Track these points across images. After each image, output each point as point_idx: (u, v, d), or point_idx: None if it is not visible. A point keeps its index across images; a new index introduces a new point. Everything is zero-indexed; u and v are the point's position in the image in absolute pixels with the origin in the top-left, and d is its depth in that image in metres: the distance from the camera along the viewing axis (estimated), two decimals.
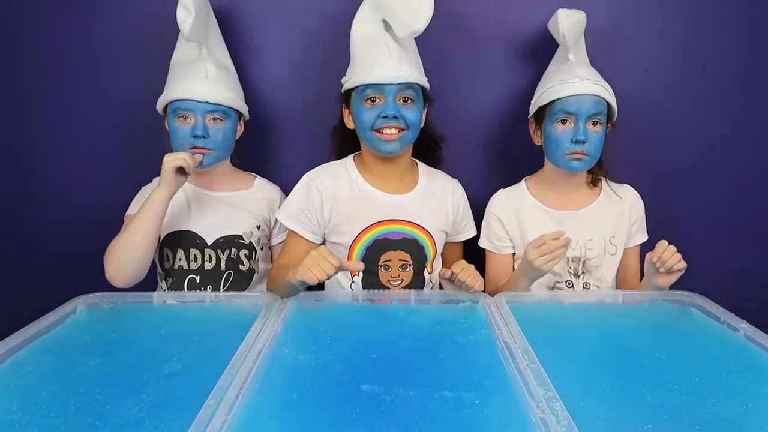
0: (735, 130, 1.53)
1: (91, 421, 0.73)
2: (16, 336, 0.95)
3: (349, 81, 1.24)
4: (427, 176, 1.36)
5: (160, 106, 1.31)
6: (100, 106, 1.50)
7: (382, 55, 1.20)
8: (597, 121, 1.25)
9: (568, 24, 1.28)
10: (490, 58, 1.51)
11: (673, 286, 1.18)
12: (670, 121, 1.53)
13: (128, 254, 1.20)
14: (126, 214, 1.32)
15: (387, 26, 1.21)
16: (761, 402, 0.78)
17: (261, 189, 1.42)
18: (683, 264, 1.15)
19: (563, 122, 1.25)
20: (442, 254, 1.40)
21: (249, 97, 1.39)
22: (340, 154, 1.38)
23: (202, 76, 1.27)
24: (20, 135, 1.52)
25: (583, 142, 1.23)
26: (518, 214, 1.36)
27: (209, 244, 1.33)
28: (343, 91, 1.29)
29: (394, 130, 1.22)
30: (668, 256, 1.14)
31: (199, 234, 1.33)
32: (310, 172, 1.32)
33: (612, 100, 1.26)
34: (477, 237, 1.41)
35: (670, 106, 1.52)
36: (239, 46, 1.47)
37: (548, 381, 0.78)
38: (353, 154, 1.36)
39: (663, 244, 1.16)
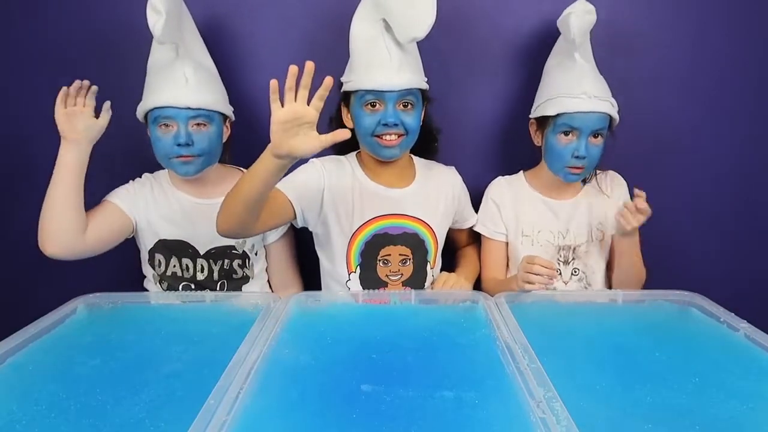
0: (736, 129, 1.53)
1: (91, 421, 0.73)
2: (16, 336, 0.95)
3: (349, 84, 1.24)
4: (424, 170, 1.37)
5: (140, 114, 1.27)
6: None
7: (383, 60, 1.19)
8: (599, 134, 1.27)
9: (579, 23, 1.26)
10: (490, 57, 1.51)
11: (673, 286, 1.17)
12: (671, 121, 1.53)
13: (47, 216, 1.16)
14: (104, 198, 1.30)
15: (387, 26, 1.20)
16: (761, 402, 0.78)
17: None
18: (632, 222, 1.22)
19: (566, 134, 1.27)
20: (455, 241, 1.46)
21: (246, 98, 1.38)
22: (339, 149, 1.37)
23: (181, 81, 1.22)
24: (19, 135, 1.52)
25: (584, 158, 1.26)
26: (515, 200, 1.40)
27: (202, 254, 1.32)
28: (342, 91, 1.29)
29: (393, 137, 1.22)
30: (631, 210, 1.21)
31: (191, 244, 1.32)
32: (316, 158, 1.30)
33: (615, 113, 1.28)
34: None
35: (671, 106, 1.52)
36: (236, 46, 1.47)
37: (548, 381, 0.78)
38: (354, 152, 1.36)
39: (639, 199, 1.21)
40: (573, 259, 1.37)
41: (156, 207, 1.30)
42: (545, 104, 1.30)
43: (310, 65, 0.94)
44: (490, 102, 1.53)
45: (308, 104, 0.96)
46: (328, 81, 0.94)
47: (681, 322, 1.08)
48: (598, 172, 1.41)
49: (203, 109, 1.23)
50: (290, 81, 0.93)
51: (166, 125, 1.23)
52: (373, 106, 1.22)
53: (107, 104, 1.23)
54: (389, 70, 1.19)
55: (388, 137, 1.22)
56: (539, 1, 1.46)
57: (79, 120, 1.18)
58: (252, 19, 1.48)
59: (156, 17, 1.16)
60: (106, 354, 0.92)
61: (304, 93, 0.95)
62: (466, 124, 1.53)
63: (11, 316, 1.04)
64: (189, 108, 1.21)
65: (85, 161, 1.20)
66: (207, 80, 1.27)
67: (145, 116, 1.26)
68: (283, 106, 0.94)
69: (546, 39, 1.45)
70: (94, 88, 1.21)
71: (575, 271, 1.38)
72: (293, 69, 0.93)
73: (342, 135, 0.98)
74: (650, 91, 1.51)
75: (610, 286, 1.40)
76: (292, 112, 0.94)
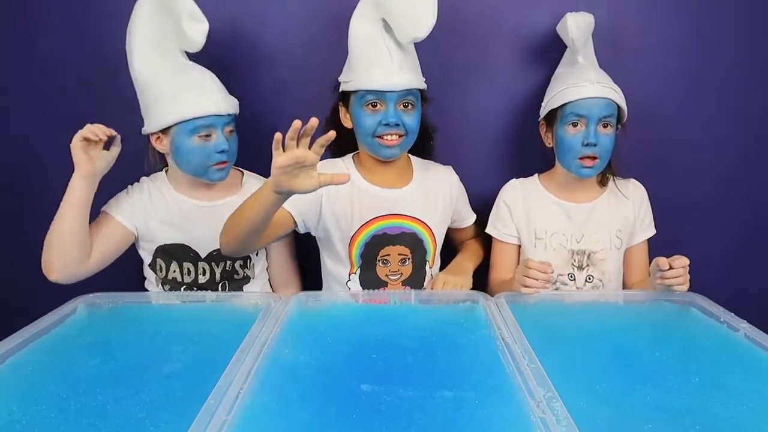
0: (737, 129, 1.53)
1: (91, 421, 0.73)
2: (16, 336, 0.96)
3: (349, 83, 1.23)
4: (422, 169, 1.37)
5: (162, 126, 1.21)
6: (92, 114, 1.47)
7: (384, 60, 1.19)
8: (607, 124, 1.26)
9: (577, 27, 1.28)
10: (490, 57, 1.51)
11: None
12: (672, 120, 1.53)
13: (54, 245, 1.17)
14: (101, 209, 1.28)
15: (387, 26, 1.20)
16: (761, 402, 0.78)
17: (249, 190, 1.37)
18: (683, 288, 1.13)
19: (574, 125, 1.27)
20: (456, 241, 1.46)
21: (246, 98, 1.38)
22: (336, 149, 1.36)
23: (213, 88, 1.21)
24: (20, 136, 1.52)
25: (594, 145, 1.25)
26: (527, 202, 1.38)
27: (203, 257, 1.31)
28: (341, 91, 1.29)
29: (394, 137, 1.23)
30: (672, 275, 1.11)
31: (192, 247, 1.31)
32: None
33: (622, 102, 1.28)
34: (483, 224, 1.44)
35: (672, 105, 1.52)
36: (236, 45, 1.47)
37: (548, 381, 0.78)
38: (351, 154, 1.36)
39: (681, 261, 1.11)
40: (588, 265, 1.34)
41: (155, 212, 1.29)
42: (551, 100, 1.30)
43: (314, 121, 0.94)
44: (489, 102, 1.53)
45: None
46: (331, 134, 0.97)
47: (681, 322, 1.08)
48: (618, 178, 1.39)
49: (233, 115, 1.26)
50: (292, 133, 0.94)
51: (208, 135, 1.21)
52: (374, 106, 1.22)
53: (118, 138, 1.23)
54: (390, 70, 1.19)
55: (388, 137, 1.22)
56: (539, 2, 1.46)
57: (92, 150, 1.18)
58: (252, 19, 1.48)
59: (201, 26, 1.17)
60: (106, 354, 0.92)
61: (305, 141, 0.96)
62: (465, 125, 1.53)
63: (11, 316, 1.04)
64: (228, 114, 1.23)
65: (93, 192, 1.19)
66: (222, 85, 1.27)
67: (165, 128, 1.22)
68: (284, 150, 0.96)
69: (545, 39, 1.45)
70: (117, 136, 1.22)
71: (590, 278, 1.34)
72: (296, 124, 0.93)
73: (341, 179, 1.02)
74: (654, 91, 1.50)
75: None
76: (294, 158, 0.95)
